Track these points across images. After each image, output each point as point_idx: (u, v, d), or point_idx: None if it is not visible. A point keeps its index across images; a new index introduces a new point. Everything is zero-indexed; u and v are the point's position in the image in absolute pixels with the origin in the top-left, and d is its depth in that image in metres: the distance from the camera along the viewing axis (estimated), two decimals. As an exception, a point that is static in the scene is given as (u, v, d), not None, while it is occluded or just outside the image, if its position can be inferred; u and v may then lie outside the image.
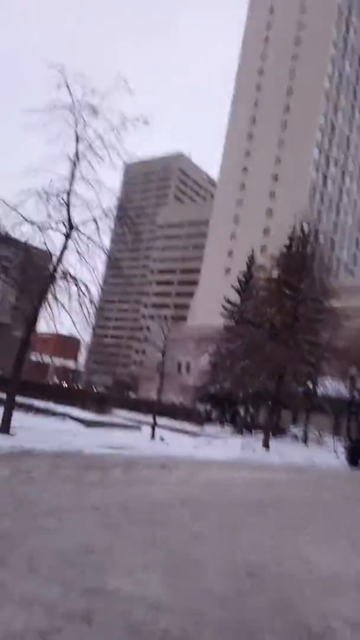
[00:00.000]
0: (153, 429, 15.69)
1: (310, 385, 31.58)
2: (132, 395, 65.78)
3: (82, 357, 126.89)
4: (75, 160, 12.00)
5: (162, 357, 19.16)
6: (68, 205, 11.89)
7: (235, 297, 37.41)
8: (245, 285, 36.42)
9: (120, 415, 20.13)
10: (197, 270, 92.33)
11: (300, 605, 3.91)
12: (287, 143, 71.10)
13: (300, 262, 26.56)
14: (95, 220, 11.85)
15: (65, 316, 12.11)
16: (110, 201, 12.34)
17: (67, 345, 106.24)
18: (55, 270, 11.96)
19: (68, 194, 11.91)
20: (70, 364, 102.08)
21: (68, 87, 11.55)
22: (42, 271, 12.78)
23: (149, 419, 21.79)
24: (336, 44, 74.01)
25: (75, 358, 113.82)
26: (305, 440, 30.32)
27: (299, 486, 11.16)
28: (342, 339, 30.49)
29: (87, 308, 11.62)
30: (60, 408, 17.11)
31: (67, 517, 5.56)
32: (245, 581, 4.30)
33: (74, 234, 12.04)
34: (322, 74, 71.52)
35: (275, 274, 29.11)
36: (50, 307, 12.21)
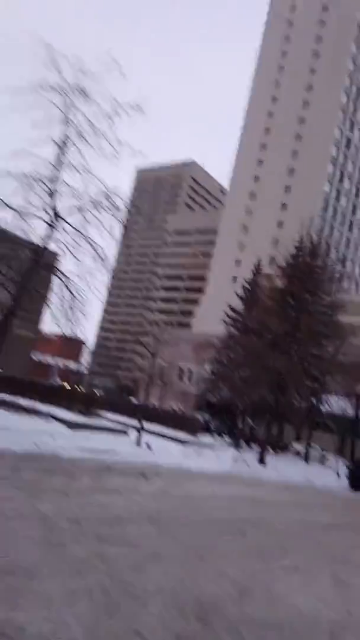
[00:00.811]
0: (139, 434, 14.82)
1: (314, 401, 30.55)
2: (133, 400, 64.90)
3: (87, 359, 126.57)
4: (63, 146, 11.30)
5: (152, 360, 18.18)
6: (53, 192, 11.20)
7: (239, 306, 36.61)
8: (250, 293, 35.58)
9: (109, 418, 19.28)
10: (204, 278, 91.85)
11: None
12: (301, 155, 70.49)
13: (306, 271, 25.72)
14: (80, 210, 11.12)
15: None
16: (99, 191, 11.58)
17: (70, 347, 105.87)
18: (37, 262, 11.24)
19: (54, 181, 11.22)
20: (74, 365, 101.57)
21: (55, 66, 10.89)
22: (26, 263, 12.07)
23: (137, 423, 20.95)
24: (355, 59, 73.57)
25: (78, 360, 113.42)
26: (306, 457, 29.21)
27: (289, 506, 10.25)
28: (349, 355, 29.56)
29: (68, 303, 10.87)
30: (45, 408, 16.32)
31: (2, 527, 4.77)
32: (189, 626, 3.45)
33: (60, 224, 11.33)
34: (339, 87, 71.07)
35: (281, 283, 28.36)
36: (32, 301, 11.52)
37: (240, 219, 74.17)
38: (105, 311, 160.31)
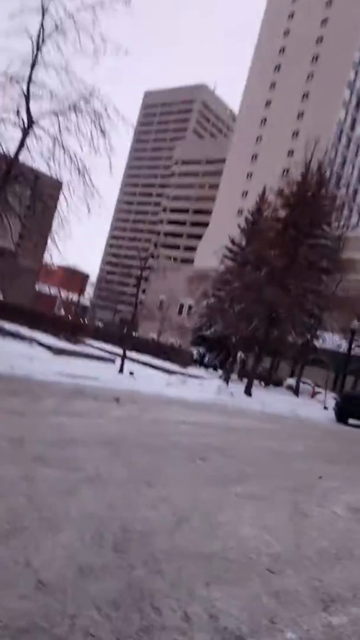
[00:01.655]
0: (122, 361, 14.55)
1: (309, 337, 30.29)
2: (133, 333, 64.97)
3: (90, 292, 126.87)
4: (39, 41, 10.06)
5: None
6: (27, 95, 10.10)
7: (241, 239, 35.49)
8: (253, 225, 34.37)
9: (98, 346, 19.07)
10: (211, 212, 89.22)
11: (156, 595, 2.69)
12: (316, 78, 66.01)
13: (310, 202, 24.50)
14: (56, 115, 10.08)
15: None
16: (80, 94, 10.43)
17: (73, 278, 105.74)
18: (8, 171, 10.35)
19: (29, 81, 10.08)
20: (79, 298, 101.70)
21: None
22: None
23: (131, 354, 20.78)
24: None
25: (81, 292, 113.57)
26: (296, 391, 29.42)
27: (263, 435, 10.04)
28: (348, 291, 28.95)
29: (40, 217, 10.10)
30: (30, 333, 16.01)
31: None
32: (100, 558, 3.06)
33: (34, 130, 10.32)
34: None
35: (283, 213, 27.21)
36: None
37: (250, 147, 70.79)
38: (110, 245, 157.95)
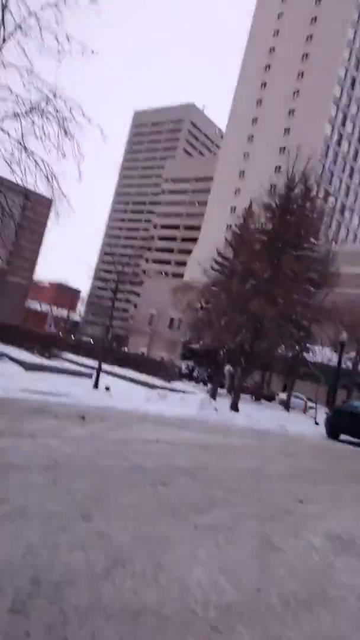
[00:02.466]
0: (97, 376, 13.77)
1: (299, 350, 29.69)
2: (123, 349, 64.29)
3: (81, 308, 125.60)
4: (0, 42, 9.51)
5: (113, 298, 16.81)
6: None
7: (229, 252, 35.06)
8: (240, 238, 33.95)
9: (76, 361, 18.31)
10: (200, 228, 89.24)
11: None
12: (302, 95, 66.64)
13: (296, 213, 24.09)
14: (18, 117, 9.49)
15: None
16: (42, 96, 9.87)
17: (65, 295, 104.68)
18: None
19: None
20: (70, 314, 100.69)
21: None
22: None
23: (113, 368, 20.00)
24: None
25: (72, 308, 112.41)
26: (287, 406, 28.64)
27: (243, 454, 9.29)
28: (338, 304, 28.50)
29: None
30: (1, 348, 15.25)
31: None
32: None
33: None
34: (346, 21, 66.22)
35: (270, 225, 26.83)
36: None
37: (237, 163, 71.05)
38: (102, 261, 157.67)
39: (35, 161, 10.12)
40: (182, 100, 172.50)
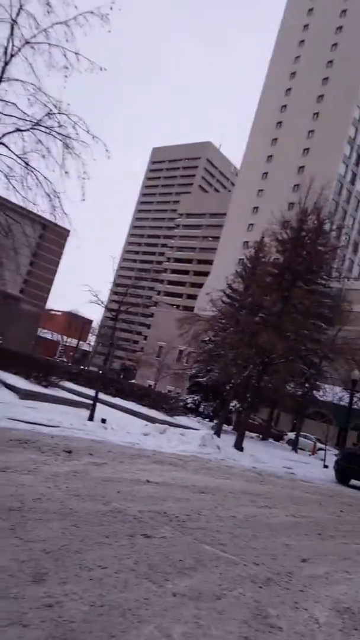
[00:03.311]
0: (93, 407, 13.05)
1: (308, 388, 28.71)
2: (131, 381, 63.44)
3: (92, 339, 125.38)
4: (5, 54, 9.34)
5: (113, 327, 16.17)
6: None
7: (239, 284, 34.62)
8: (252, 270, 33.56)
9: (76, 390, 17.60)
10: (213, 262, 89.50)
11: None
12: (317, 134, 67.51)
13: (305, 244, 23.71)
14: (21, 132, 9.20)
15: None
16: (46, 111, 9.61)
17: (76, 324, 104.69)
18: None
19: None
20: (81, 344, 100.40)
21: None
22: None
23: (114, 400, 19.28)
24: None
25: (84, 338, 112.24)
26: (295, 446, 27.44)
27: (243, 499, 8.44)
28: (349, 342, 27.65)
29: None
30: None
31: None
32: None
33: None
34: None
35: (281, 259, 26.52)
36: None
37: (251, 199, 71.62)
38: (114, 292, 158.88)
39: (37, 178, 9.79)
40: (200, 138, 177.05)
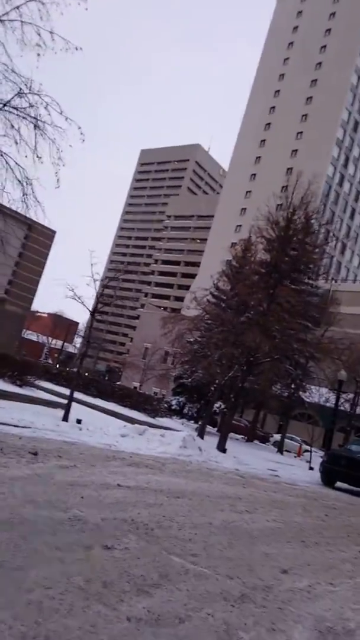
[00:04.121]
0: (68, 407, 12.45)
1: (294, 389, 28.33)
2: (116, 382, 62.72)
3: (78, 340, 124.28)
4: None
5: (90, 325, 15.52)
6: None
7: (225, 283, 34.20)
8: (238, 270, 33.15)
9: (54, 390, 16.98)
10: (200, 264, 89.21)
11: None
12: (305, 136, 67.56)
13: (291, 240, 23.38)
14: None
15: None
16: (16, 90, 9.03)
17: (62, 326, 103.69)
18: None
19: None
20: (66, 345, 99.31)
21: None
22: None
23: (92, 399, 18.69)
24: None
25: (67, 340, 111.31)
26: (280, 448, 27.02)
27: (223, 503, 7.92)
28: (336, 342, 27.41)
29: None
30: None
31: None
32: None
33: None
34: (350, 66, 67.83)
35: (268, 257, 26.17)
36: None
37: (239, 201, 71.42)
38: (100, 294, 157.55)
39: (7, 163, 9.22)
40: (189, 140, 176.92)
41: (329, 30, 68.86)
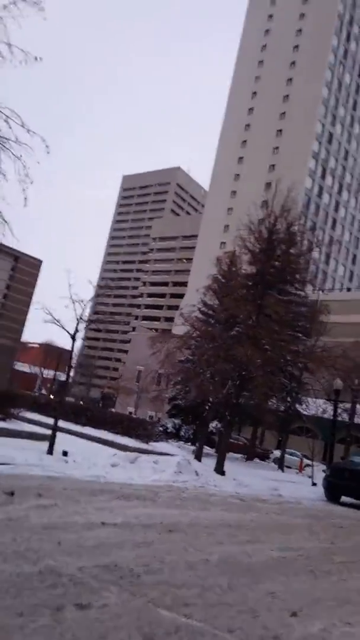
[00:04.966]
0: (52, 440, 11.69)
1: (290, 402, 27.69)
2: (110, 409, 61.73)
3: (71, 369, 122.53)
4: None
5: (72, 346, 14.84)
6: None
7: (212, 298, 33.78)
8: (226, 284, 32.77)
9: (36, 421, 16.21)
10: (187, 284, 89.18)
11: None
12: (282, 150, 68.37)
13: (275, 251, 23.08)
14: None
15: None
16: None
17: (53, 355, 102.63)
18: None
19: None
20: (59, 375, 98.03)
21: None
22: None
23: (81, 429, 17.90)
24: (335, 52, 71.94)
25: (62, 369, 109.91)
26: (281, 465, 26.20)
27: (221, 533, 7.22)
28: (329, 351, 26.97)
29: None
30: None
31: None
32: None
33: None
34: (320, 80, 69.17)
35: (254, 269, 25.83)
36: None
37: (221, 218, 71.70)
38: (90, 320, 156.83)
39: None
40: (169, 164, 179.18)
41: (297, 46, 70.39)
